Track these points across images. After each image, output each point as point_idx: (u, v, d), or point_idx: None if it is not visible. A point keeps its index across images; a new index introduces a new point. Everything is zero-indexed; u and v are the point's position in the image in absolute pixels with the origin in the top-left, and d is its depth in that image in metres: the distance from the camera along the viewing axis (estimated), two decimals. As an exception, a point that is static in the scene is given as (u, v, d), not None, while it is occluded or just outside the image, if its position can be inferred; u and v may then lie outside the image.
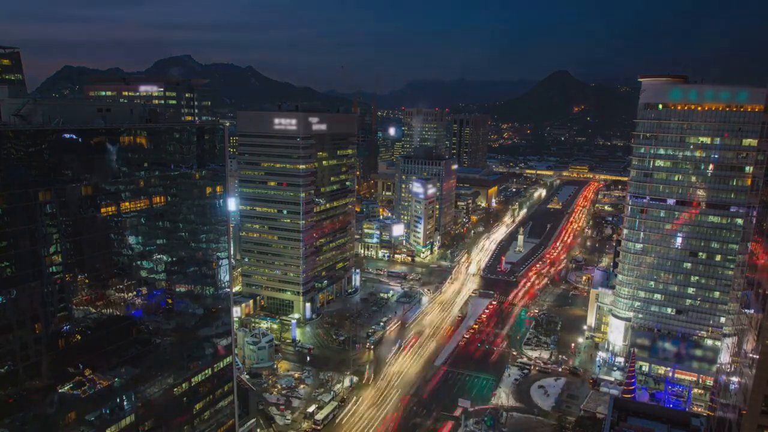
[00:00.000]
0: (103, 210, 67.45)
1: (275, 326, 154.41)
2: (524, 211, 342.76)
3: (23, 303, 58.90)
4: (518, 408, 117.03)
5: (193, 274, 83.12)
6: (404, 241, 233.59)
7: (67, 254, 63.17)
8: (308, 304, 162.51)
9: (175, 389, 78.86)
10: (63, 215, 62.68)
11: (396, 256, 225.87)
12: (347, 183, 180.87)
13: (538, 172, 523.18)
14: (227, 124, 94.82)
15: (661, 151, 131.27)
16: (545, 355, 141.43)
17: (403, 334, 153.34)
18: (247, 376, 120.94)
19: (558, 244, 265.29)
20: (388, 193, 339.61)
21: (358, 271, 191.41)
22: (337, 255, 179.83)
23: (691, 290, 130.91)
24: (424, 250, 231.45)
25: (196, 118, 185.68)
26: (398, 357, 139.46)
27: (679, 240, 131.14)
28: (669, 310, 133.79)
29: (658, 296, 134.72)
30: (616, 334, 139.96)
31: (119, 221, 70.01)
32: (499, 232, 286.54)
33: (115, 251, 71.24)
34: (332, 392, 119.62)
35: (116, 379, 69.65)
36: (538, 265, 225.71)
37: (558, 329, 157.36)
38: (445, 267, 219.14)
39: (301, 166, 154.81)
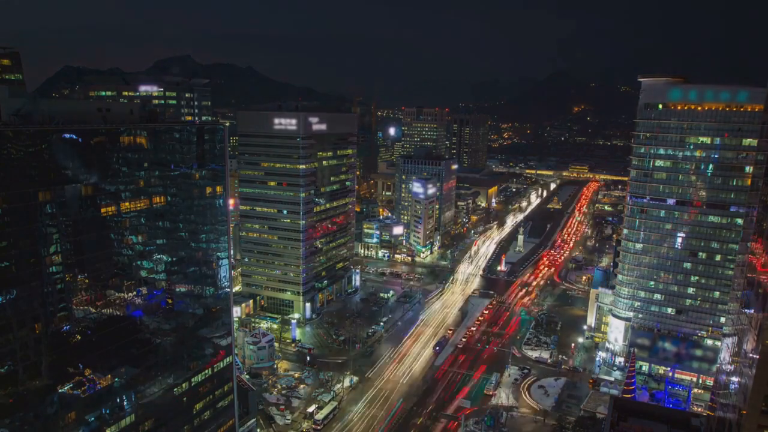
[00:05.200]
0: (103, 210, 67.52)
1: (275, 326, 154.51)
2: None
3: (23, 303, 58.93)
4: (518, 408, 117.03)
5: (193, 274, 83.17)
6: (404, 241, 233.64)
7: (67, 254, 63.20)
8: (308, 304, 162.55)
9: (175, 389, 78.89)
10: (63, 215, 62.71)
11: (396, 256, 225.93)
12: (347, 183, 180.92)
13: (538, 172, 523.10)
14: (227, 124, 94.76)
15: (661, 151, 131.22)
16: (545, 355, 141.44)
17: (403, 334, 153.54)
18: (247, 376, 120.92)
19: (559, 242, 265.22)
20: (388, 193, 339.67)
21: (358, 271, 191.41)
22: (337, 255, 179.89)
23: (691, 290, 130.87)
24: (424, 250, 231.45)
25: (196, 118, 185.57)
26: (398, 357, 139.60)
27: (679, 240, 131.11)
28: (669, 310, 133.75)
29: (658, 296, 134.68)
30: (616, 334, 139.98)
31: (119, 221, 70.04)
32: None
33: (115, 251, 71.31)
34: (332, 392, 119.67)
35: (116, 379, 69.69)
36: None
37: (558, 329, 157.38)
38: (444, 267, 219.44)
39: (301, 166, 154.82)
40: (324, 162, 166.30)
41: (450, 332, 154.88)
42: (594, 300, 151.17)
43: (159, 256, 77.12)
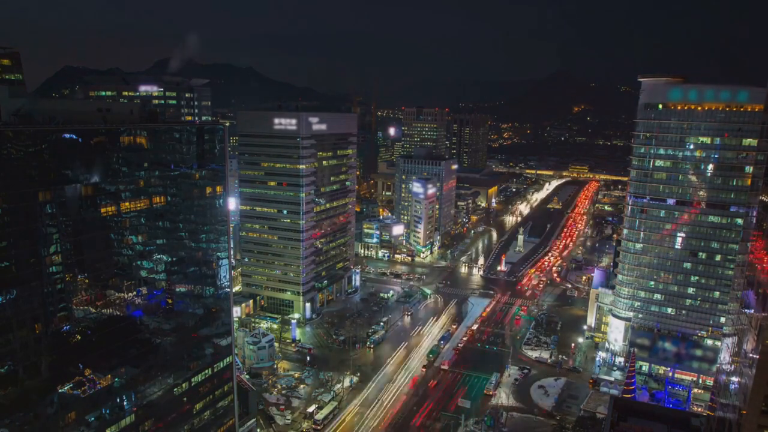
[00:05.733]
0: (103, 210, 67.51)
1: (275, 326, 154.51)
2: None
3: (23, 303, 58.93)
4: (518, 408, 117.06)
5: (193, 274, 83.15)
6: (404, 241, 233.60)
7: (67, 254, 63.20)
8: (308, 304, 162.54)
9: (175, 389, 78.89)
10: (63, 215, 62.71)
11: (396, 256, 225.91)
12: (347, 183, 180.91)
13: (538, 172, 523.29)
14: (227, 124, 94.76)
15: (661, 151, 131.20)
16: (545, 355, 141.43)
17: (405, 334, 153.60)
18: (247, 376, 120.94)
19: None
20: (388, 193, 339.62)
21: (358, 271, 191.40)
22: (337, 255, 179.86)
23: (691, 290, 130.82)
24: (424, 250, 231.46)
25: (196, 118, 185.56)
26: (398, 357, 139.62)
27: (679, 240, 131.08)
28: (669, 310, 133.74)
29: (658, 296, 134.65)
30: (616, 334, 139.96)
31: (119, 221, 70.05)
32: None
33: (115, 251, 71.29)
34: (332, 392, 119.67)
35: (116, 379, 69.69)
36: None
37: (558, 329, 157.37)
38: (444, 267, 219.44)
39: (301, 166, 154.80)
40: (324, 162, 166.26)
41: (454, 328, 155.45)
42: (594, 300, 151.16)
43: (159, 256, 77.12)
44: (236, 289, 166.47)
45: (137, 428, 72.72)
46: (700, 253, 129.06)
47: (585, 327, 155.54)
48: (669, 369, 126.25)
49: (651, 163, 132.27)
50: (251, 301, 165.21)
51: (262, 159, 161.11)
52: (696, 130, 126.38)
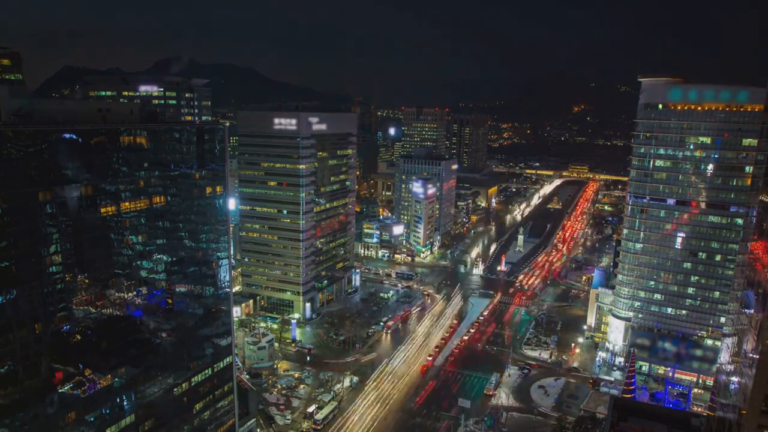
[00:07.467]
0: (103, 210, 67.50)
1: (275, 326, 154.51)
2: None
3: (23, 303, 58.92)
4: (518, 408, 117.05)
5: (193, 274, 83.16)
6: (404, 241, 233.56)
7: (67, 254, 63.19)
8: (308, 304, 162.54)
9: (175, 389, 78.89)
10: (63, 215, 62.70)
11: (396, 256, 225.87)
12: (347, 183, 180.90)
13: (538, 172, 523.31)
14: (227, 124, 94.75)
15: (661, 151, 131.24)
16: (545, 355, 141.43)
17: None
18: (247, 376, 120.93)
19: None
20: (388, 193, 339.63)
21: (358, 271, 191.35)
22: (337, 255, 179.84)
23: (691, 290, 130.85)
24: (424, 250, 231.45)
25: (196, 118, 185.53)
26: (398, 357, 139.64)
27: (679, 240, 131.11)
28: (669, 310, 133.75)
29: (658, 296, 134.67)
30: (616, 334, 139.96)
31: (119, 221, 70.05)
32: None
33: (115, 251, 71.29)
34: (332, 392, 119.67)
35: (116, 379, 69.68)
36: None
37: (558, 329, 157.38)
38: (444, 267, 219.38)
39: (301, 166, 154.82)
40: (324, 162, 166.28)
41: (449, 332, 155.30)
42: (594, 300, 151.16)
43: (159, 256, 77.12)
44: (236, 289, 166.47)
45: (137, 428, 72.69)
46: (700, 253, 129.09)
47: (585, 327, 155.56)
48: (669, 369, 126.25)
49: (651, 163, 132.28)
50: (251, 301, 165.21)
51: (262, 159, 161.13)
52: (696, 130, 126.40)
